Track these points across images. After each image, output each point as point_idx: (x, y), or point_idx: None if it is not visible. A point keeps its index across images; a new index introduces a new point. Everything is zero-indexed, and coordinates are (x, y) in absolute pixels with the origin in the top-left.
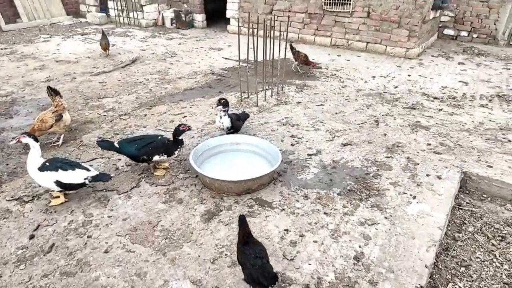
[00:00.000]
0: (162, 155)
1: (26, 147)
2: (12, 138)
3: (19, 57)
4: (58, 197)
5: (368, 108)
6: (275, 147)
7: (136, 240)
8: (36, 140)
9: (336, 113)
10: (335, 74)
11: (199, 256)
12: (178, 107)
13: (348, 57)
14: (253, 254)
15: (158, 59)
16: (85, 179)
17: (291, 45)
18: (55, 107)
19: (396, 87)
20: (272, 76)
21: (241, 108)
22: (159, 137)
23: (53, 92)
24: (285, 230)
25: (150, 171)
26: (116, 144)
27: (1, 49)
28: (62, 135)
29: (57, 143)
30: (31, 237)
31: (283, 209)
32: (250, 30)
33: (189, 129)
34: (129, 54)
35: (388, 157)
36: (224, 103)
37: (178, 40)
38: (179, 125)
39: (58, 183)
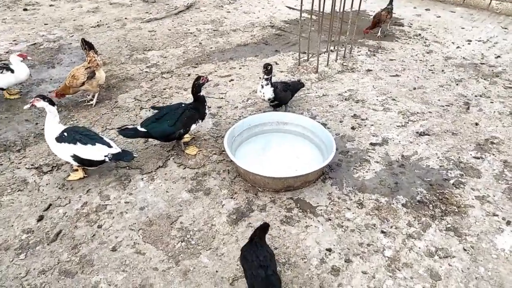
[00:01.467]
0: (198, 122)
1: (59, 105)
2: (30, 101)
3: None
4: (77, 170)
5: (457, 85)
6: (329, 134)
7: (149, 238)
8: (52, 103)
9: (415, 88)
10: (419, 35)
11: (216, 271)
12: (226, 67)
13: (439, 12)
14: (257, 261)
15: (215, 5)
16: (105, 156)
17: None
18: (88, 63)
19: (498, 56)
20: (340, 33)
21: (297, 73)
22: (183, 105)
23: (87, 45)
24: (327, 249)
25: (181, 149)
26: (141, 128)
27: None
28: (96, 94)
29: (91, 102)
30: (40, 218)
31: (329, 219)
32: None
33: (208, 81)
34: None
35: (478, 158)
36: (270, 69)
37: None
38: (198, 78)
39: (76, 157)
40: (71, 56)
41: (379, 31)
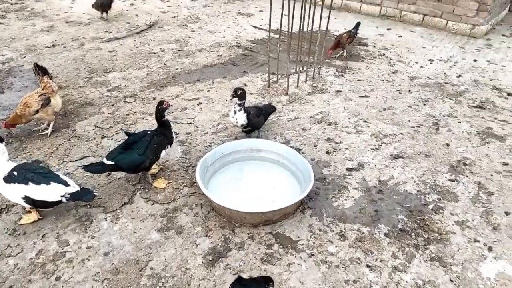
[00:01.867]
0: (167, 147)
1: (9, 135)
2: None
3: (28, 15)
4: (30, 212)
5: (424, 105)
6: (306, 161)
7: None
8: (0, 140)
9: (384, 109)
10: (383, 54)
11: None
12: (193, 90)
13: (400, 31)
14: None
15: (178, 24)
16: (62, 196)
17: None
18: (42, 89)
19: (460, 76)
20: (308, 53)
21: (268, 95)
22: (149, 132)
23: (40, 70)
24: None
25: (148, 181)
26: (108, 161)
27: (12, 3)
28: (52, 122)
29: (46, 131)
30: None
31: (312, 254)
32: None
33: (170, 106)
34: (147, 17)
35: (453, 181)
36: (240, 95)
37: (203, 1)
38: (161, 102)
39: (28, 199)
40: (22, 79)
41: (344, 52)
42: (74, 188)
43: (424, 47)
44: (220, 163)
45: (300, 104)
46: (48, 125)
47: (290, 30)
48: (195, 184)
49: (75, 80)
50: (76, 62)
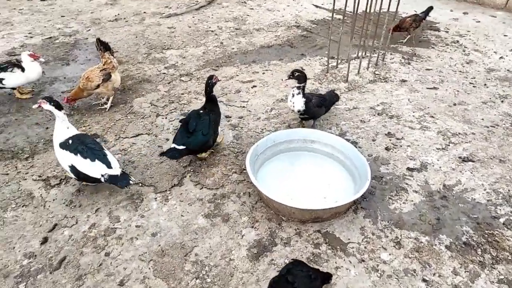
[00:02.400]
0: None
1: (72, 108)
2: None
3: None
4: None
5: (502, 102)
6: (363, 158)
7: (161, 272)
8: (59, 107)
9: (455, 104)
10: (457, 42)
11: None
12: (248, 71)
13: (478, 16)
14: None
15: (237, 1)
16: (102, 175)
17: None
18: (104, 64)
19: None
20: (373, 38)
21: (325, 81)
22: (200, 111)
23: (102, 46)
24: None
25: (197, 163)
26: (179, 146)
27: None
28: (111, 98)
29: (105, 106)
30: (44, 241)
31: (363, 260)
32: None
33: (218, 81)
34: None
35: None
36: (298, 77)
37: None
38: (211, 77)
39: (73, 168)
40: (86, 52)
41: (406, 38)
42: (115, 171)
43: (505, 35)
44: (271, 152)
45: (360, 93)
46: (108, 100)
47: (355, 11)
48: (244, 171)
49: (134, 56)
50: (136, 37)
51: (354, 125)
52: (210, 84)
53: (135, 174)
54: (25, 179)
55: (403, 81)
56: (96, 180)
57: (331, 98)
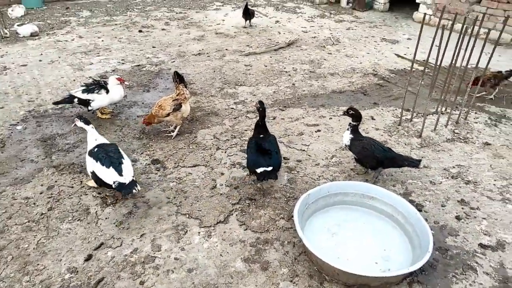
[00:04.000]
0: None
1: (142, 131)
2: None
3: (186, 23)
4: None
5: None
6: (427, 226)
7: None
8: (87, 122)
9: None
10: None
11: None
12: (315, 115)
13: None
14: None
15: (317, 45)
16: (113, 182)
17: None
18: (177, 95)
19: None
20: (456, 93)
21: (396, 134)
22: (261, 135)
23: (178, 78)
24: None
25: (246, 202)
26: (269, 168)
27: (177, 13)
28: (178, 126)
29: (172, 133)
30: (88, 258)
31: None
32: (444, 21)
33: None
34: (288, 35)
35: None
36: (351, 115)
37: (348, 24)
38: (262, 102)
39: (94, 175)
40: (167, 82)
41: (489, 94)
42: (124, 179)
43: None
44: (324, 202)
45: (433, 152)
46: (175, 128)
47: (439, 63)
48: (292, 218)
49: (208, 89)
50: (214, 71)
51: (422, 186)
52: (263, 109)
53: (184, 204)
54: (86, 194)
55: (487, 144)
56: (108, 186)
57: (398, 159)
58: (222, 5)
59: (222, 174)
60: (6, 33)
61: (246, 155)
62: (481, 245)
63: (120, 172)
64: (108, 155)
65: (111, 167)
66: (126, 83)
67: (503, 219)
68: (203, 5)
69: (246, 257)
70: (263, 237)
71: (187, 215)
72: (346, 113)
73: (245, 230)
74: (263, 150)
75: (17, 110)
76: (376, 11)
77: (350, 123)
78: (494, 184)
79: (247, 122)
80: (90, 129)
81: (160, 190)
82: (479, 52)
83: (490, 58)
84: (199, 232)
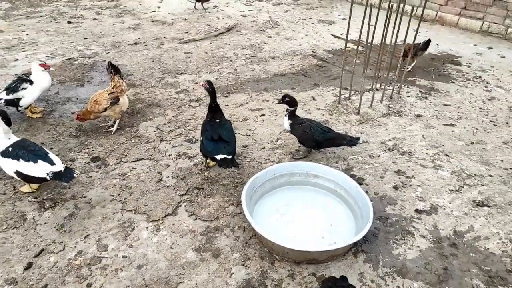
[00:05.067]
0: None
1: (79, 128)
2: None
3: (120, 12)
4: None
5: None
6: (366, 196)
7: None
8: (8, 123)
9: (472, 143)
10: (479, 77)
11: None
12: (259, 99)
13: (504, 51)
14: None
15: (256, 29)
16: (46, 174)
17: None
18: (112, 88)
19: None
20: (388, 69)
21: (336, 113)
22: (217, 120)
23: (113, 69)
24: None
25: (195, 192)
26: (228, 156)
27: (108, 1)
28: (118, 121)
29: (111, 128)
30: (28, 266)
31: None
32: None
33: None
34: (227, 20)
35: None
36: (286, 102)
37: (285, 6)
38: (210, 82)
39: (18, 173)
40: (102, 74)
41: (410, 64)
42: (58, 167)
43: None
44: (270, 185)
45: (371, 127)
46: (114, 122)
47: (370, 41)
48: (241, 203)
49: (148, 80)
50: (153, 61)
51: (362, 160)
52: (212, 88)
53: (129, 200)
54: (21, 199)
55: (419, 116)
56: (42, 180)
57: (337, 139)
58: None
59: (168, 166)
60: None
61: (199, 140)
62: (417, 211)
63: (51, 162)
64: (28, 150)
65: (39, 160)
66: (51, 68)
67: (435, 185)
68: None
69: (197, 247)
70: (213, 225)
71: (133, 211)
72: (281, 101)
73: (194, 220)
74: (220, 137)
75: None
76: None
77: (287, 109)
78: (426, 153)
79: (190, 111)
80: (6, 128)
81: (102, 188)
82: (406, 29)
83: (416, 33)
84: (147, 227)
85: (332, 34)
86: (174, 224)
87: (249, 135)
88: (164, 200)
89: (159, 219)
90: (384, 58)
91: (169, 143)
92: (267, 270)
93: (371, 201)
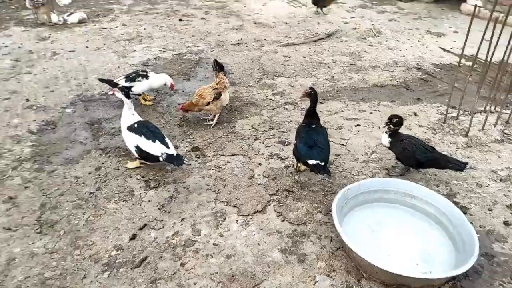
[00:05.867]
0: None
1: (183, 119)
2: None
3: (226, 13)
4: (135, 161)
5: None
6: (473, 229)
7: None
8: (127, 96)
9: None
10: None
11: None
12: (355, 109)
13: None
14: None
15: (357, 37)
16: (161, 154)
17: None
18: (216, 84)
19: None
20: (507, 91)
21: (441, 132)
22: (312, 125)
23: (218, 66)
24: None
25: (284, 194)
26: (321, 162)
27: (216, 2)
28: (217, 115)
29: (211, 122)
30: (133, 237)
31: None
32: (496, 13)
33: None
34: (328, 26)
35: None
36: (395, 124)
37: (391, 15)
38: (312, 88)
39: (138, 148)
40: (206, 71)
41: None
42: (171, 151)
43: None
44: (363, 198)
45: (480, 152)
46: (214, 117)
47: (489, 59)
48: (330, 212)
49: (247, 79)
50: (252, 62)
51: (468, 188)
52: (315, 93)
53: (223, 192)
54: (131, 176)
55: None
56: (156, 159)
57: (441, 160)
58: None
59: (260, 164)
60: (60, 20)
61: (293, 143)
62: None
63: (166, 145)
64: (150, 130)
65: (157, 141)
66: (175, 88)
67: None
68: None
69: (283, 248)
70: (300, 229)
71: (226, 203)
72: (389, 122)
73: (282, 221)
74: (315, 143)
75: (66, 94)
76: (420, 2)
77: (390, 127)
78: None
79: (285, 113)
80: (129, 103)
81: (199, 177)
82: None
83: None
84: (237, 220)
85: (441, 47)
86: (262, 221)
87: (343, 145)
88: (254, 196)
89: (248, 214)
90: (504, 78)
91: (263, 143)
92: (352, 286)
93: (477, 234)
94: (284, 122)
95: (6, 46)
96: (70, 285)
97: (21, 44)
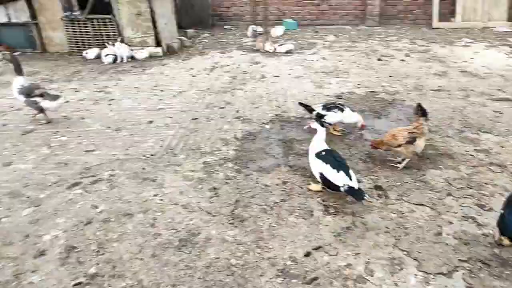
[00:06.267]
0: None
1: (369, 155)
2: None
3: (428, 57)
4: (318, 184)
5: None
6: None
7: None
8: (322, 125)
9: None
10: None
11: None
12: None
13: None
14: None
15: None
16: (343, 185)
17: None
18: (414, 128)
19: None
20: None
21: None
22: None
23: (421, 111)
24: None
25: (478, 265)
26: None
27: (419, 45)
28: (407, 160)
29: (399, 165)
30: (307, 254)
31: None
32: None
33: None
34: None
35: None
36: None
37: None
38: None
39: (321, 175)
40: (399, 112)
41: None
42: (354, 184)
43: None
44: None
45: None
46: (403, 160)
47: None
48: None
49: (445, 129)
50: (453, 111)
51: None
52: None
53: (403, 240)
54: (312, 198)
55: None
56: (337, 188)
57: None
58: (473, 42)
59: (451, 223)
60: (271, 49)
61: (501, 212)
62: None
63: (350, 177)
64: (337, 160)
65: (341, 171)
66: (365, 128)
67: None
68: (449, 40)
69: None
70: None
71: (406, 252)
72: None
73: None
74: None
75: (267, 112)
76: None
77: None
78: None
79: (489, 175)
80: (323, 132)
81: (379, 217)
82: None
83: None
84: (416, 274)
85: None
86: (446, 286)
87: None
88: (440, 256)
89: (431, 273)
90: None
91: (457, 200)
92: None
93: None
94: (487, 184)
95: (227, 65)
96: (249, 277)
97: (239, 65)
